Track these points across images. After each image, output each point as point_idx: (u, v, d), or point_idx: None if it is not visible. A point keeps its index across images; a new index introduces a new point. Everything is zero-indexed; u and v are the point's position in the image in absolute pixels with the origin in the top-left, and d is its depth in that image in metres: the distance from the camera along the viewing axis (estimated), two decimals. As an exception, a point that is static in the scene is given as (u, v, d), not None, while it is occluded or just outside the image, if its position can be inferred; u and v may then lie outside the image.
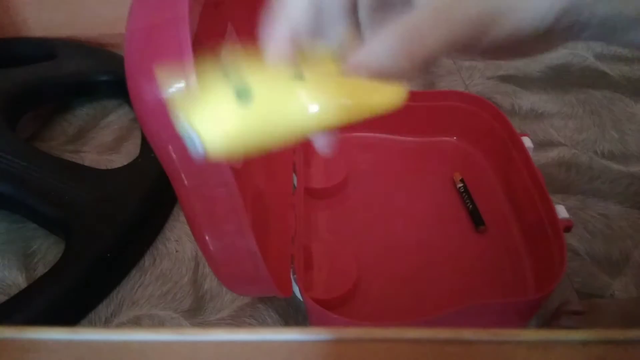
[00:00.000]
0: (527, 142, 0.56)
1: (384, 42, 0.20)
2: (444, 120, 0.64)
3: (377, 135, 0.67)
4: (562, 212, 0.49)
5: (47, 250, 0.58)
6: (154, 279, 0.56)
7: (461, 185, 0.59)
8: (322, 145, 0.24)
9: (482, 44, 0.21)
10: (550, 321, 0.49)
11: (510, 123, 0.58)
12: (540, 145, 0.69)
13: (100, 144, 0.72)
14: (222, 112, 0.19)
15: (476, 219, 0.56)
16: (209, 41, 0.47)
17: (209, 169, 0.32)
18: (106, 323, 0.52)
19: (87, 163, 0.68)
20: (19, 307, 0.49)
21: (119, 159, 0.69)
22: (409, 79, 0.23)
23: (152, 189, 0.59)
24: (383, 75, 0.20)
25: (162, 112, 0.30)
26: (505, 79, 0.81)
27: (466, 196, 0.58)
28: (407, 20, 0.20)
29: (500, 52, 0.22)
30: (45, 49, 0.80)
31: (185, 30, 0.29)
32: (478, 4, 0.20)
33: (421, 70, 0.20)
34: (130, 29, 0.31)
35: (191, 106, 0.19)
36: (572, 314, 0.47)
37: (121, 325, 0.52)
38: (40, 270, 0.57)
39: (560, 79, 0.81)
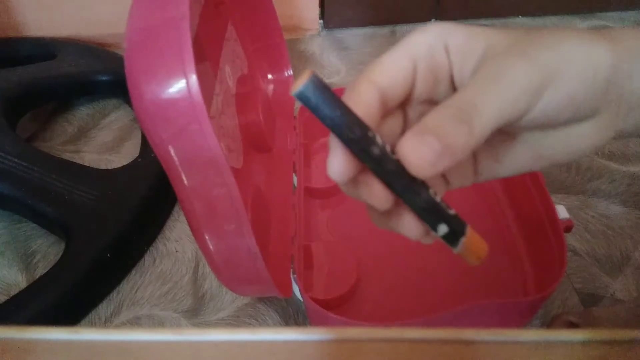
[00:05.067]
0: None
1: (445, 118, 0.19)
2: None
3: (377, 135, 0.67)
4: (562, 212, 0.49)
5: (47, 250, 0.58)
6: (154, 279, 0.56)
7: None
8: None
9: (534, 113, 0.21)
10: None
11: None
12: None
13: (100, 144, 0.72)
14: None
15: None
16: (209, 41, 0.47)
17: (209, 168, 0.32)
18: (106, 323, 0.52)
19: (87, 163, 0.68)
20: (19, 307, 0.49)
21: (119, 159, 0.69)
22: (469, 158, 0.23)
23: (152, 189, 0.59)
24: (455, 157, 0.19)
25: (163, 111, 0.30)
26: (506, 79, 0.81)
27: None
28: (460, 94, 0.20)
29: (554, 127, 0.22)
30: (45, 49, 0.80)
31: (186, 30, 0.29)
32: (526, 69, 0.20)
33: (479, 144, 0.20)
34: (131, 28, 0.30)
35: None
36: (568, 325, 0.47)
37: (121, 325, 0.52)
38: (40, 270, 0.57)
39: (561, 79, 0.80)
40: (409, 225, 0.22)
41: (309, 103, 0.18)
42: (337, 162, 0.20)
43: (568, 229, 0.48)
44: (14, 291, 0.54)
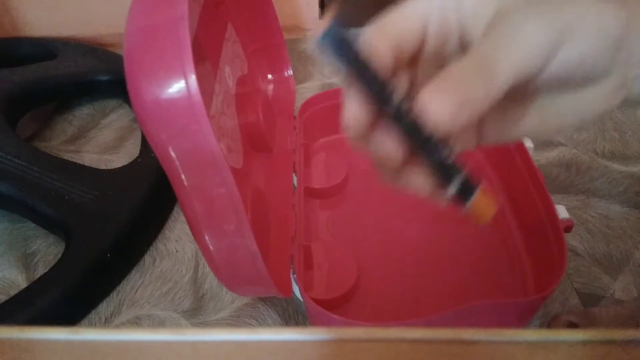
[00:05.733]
0: (527, 142, 0.56)
1: (465, 71, 0.19)
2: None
3: (377, 135, 0.67)
4: (562, 212, 0.49)
5: (47, 250, 0.58)
6: (154, 279, 0.56)
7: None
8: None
9: (548, 72, 0.21)
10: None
11: (510, 123, 0.58)
12: (540, 145, 0.69)
13: (100, 144, 0.72)
14: None
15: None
16: (208, 41, 0.47)
17: (208, 168, 0.32)
18: (106, 323, 0.52)
19: (87, 163, 0.68)
20: (19, 307, 0.49)
21: (119, 159, 0.69)
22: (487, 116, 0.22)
23: (152, 189, 0.59)
24: (474, 110, 0.19)
25: (162, 112, 0.30)
26: (506, 79, 0.81)
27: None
28: (477, 50, 0.20)
29: (564, 90, 0.22)
30: (45, 49, 0.80)
31: (185, 30, 0.29)
32: (541, 26, 0.20)
33: (498, 99, 0.20)
34: (130, 28, 0.31)
35: None
36: (567, 326, 0.47)
37: (121, 325, 0.52)
38: (40, 270, 0.57)
39: (561, 79, 0.80)
40: (420, 181, 0.22)
41: (329, 53, 0.18)
42: (353, 111, 0.20)
43: (568, 229, 0.48)
44: (14, 291, 0.54)
